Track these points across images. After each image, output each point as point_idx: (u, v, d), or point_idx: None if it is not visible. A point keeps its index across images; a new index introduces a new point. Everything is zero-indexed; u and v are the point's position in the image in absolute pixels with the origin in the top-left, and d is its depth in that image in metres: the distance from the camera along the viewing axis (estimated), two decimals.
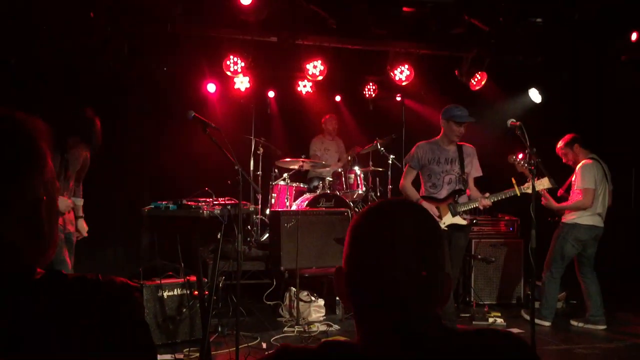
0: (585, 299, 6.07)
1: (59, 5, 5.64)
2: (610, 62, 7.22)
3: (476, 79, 7.70)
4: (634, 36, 6.54)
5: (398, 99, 8.22)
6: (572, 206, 5.99)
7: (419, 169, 5.32)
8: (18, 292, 1.06)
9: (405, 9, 6.17)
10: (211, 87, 8.47)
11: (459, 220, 5.16)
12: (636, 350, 5.42)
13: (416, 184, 5.40)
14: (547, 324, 5.98)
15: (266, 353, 4.40)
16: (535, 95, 7.72)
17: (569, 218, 6.03)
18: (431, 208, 5.08)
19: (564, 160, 6.21)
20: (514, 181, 5.11)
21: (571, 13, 6.36)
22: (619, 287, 7.07)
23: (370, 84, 9.05)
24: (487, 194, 5.17)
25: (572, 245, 5.97)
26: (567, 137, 6.20)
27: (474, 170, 5.34)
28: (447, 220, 5.15)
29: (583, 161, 6.03)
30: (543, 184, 5.03)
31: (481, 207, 5.20)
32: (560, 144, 6.20)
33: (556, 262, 6.01)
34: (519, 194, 5.07)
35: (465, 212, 5.19)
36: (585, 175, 5.91)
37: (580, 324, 6.04)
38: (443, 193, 5.21)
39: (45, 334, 1.03)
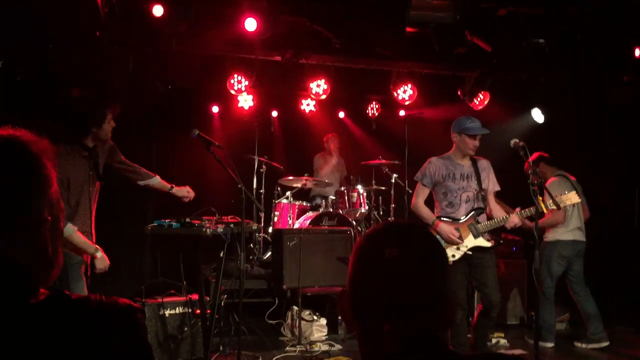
0: (584, 318, 6.03)
1: (66, 21, 5.69)
2: (613, 80, 7.24)
3: (479, 99, 7.72)
4: (637, 52, 6.53)
5: (402, 114, 8.25)
6: (544, 223, 5.97)
7: (432, 187, 4.91)
8: (21, 313, 1.06)
9: (408, 29, 6.20)
10: (215, 108, 8.59)
11: (482, 242, 4.75)
12: None
13: (428, 203, 5.05)
14: (550, 345, 5.93)
15: None
16: (537, 115, 7.75)
17: (549, 237, 6.05)
18: (451, 230, 4.69)
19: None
20: (540, 199, 4.97)
21: (574, 33, 6.39)
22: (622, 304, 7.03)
23: (374, 102, 9.10)
24: (518, 210, 4.75)
25: (558, 262, 5.99)
26: (533, 156, 6.19)
27: (492, 184, 4.95)
28: (469, 242, 4.73)
29: (550, 179, 6.06)
30: (571, 198, 4.74)
31: (508, 227, 4.77)
32: (526, 164, 6.20)
33: (546, 282, 5.98)
34: (545, 211, 4.77)
35: (487, 232, 4.80)
36: (551, 192, 5.92)
37: (584, 345, 5.98)
38: (461, 212, 4.80)
39: (48, 355, 1.03)
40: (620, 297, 7.12)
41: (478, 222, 4.76)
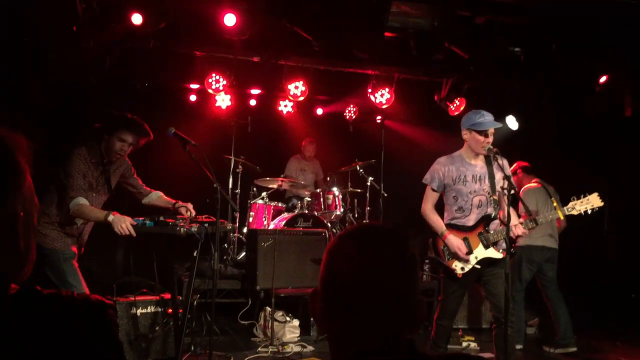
0: (554, 322, 6.15)
1: (42, 18, 5.62)
2: (586, 89, 7.39)
3: (455, 105, 7.81)
4: (602, 79, 6.83)
5: (378, 119, 8.30)
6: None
7: (442, 190, 4.50)
8: None
9: (387, 34, 6.26)
10: (191, 107, 8.56)
11: (493, 253, 4.33)
12: None
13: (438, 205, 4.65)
14: (519, 346, 6.02)
15: None
16: (512, 123, 7.86)
17: (520, 241, 6.16)
18: (458, 244, 4.32)
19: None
20: (555, 203, 4.94)
21: (549, 42, 6.51)
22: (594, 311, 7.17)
23: (351, 106, 9.14)
24: (522, 220, 4.36)
25: (527, 267, 6.12)
26: (514, 165, 6.47)
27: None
28: (479, 253, 4.34)
29: (525, 186, 6.25)
30: (592, 201, 4.36)
31: (514, 237, 4.30)
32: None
33: (514, 285, 6.09)
34: (562, 217, 4.45)
35: (498, 242, 4.35)
36: (525, 199, 6.05)
37: (552, 350, 6.09)
38: (472, 219, 4.40)
39: (19, 351, 1.03)
40: (592, 304, 7.27)
41: (488, 231, 4.37)
